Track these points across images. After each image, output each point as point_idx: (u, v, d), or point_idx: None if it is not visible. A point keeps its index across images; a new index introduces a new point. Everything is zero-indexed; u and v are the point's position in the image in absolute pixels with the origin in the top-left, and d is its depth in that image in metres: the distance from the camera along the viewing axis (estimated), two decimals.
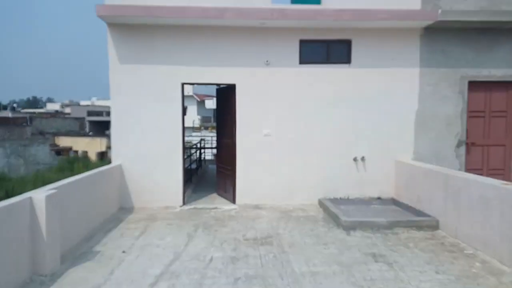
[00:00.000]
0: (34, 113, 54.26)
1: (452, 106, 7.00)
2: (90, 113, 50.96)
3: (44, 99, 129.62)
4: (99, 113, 51.44)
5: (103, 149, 34.76)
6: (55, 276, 3.93)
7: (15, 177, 23.21)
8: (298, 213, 6.51)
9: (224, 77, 6.91)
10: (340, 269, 4.18)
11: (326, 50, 6.98)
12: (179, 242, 5.05)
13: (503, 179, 6.87)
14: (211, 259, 4.46)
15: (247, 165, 7.03)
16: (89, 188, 5.44)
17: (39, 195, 3.91)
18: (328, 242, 5.05)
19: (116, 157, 6.86)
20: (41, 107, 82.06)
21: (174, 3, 6.37)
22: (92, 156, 33.86)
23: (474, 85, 7.02)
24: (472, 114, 7.11)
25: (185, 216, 6.33)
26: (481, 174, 6.78)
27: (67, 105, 66.14)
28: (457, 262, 4.39)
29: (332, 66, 6.96)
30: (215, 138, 18.84)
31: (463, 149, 7.06)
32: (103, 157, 33.25)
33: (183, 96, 6.97)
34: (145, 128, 6.82)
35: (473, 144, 7.15)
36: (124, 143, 6.82)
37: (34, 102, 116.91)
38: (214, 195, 7.94)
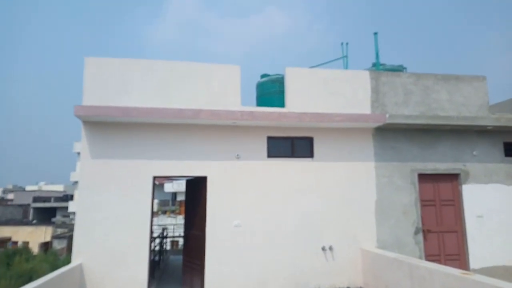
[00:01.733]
0: None
1: (407, 196, 7.65)
2: (36, 199, 47.64)
3: None
4: (46, 199, 48.25)
5: (48, 239, 31.95)
6: None
7: None
8: None
9: (196, 170, 7.16)
10: None
11: (291, 145, 7.60)
12: None
13: (459, 265, 7.35)
14: None
15: (217, 258, 6.93)
16: None
17: None
18: None
19: (77, 254, 6.51)
20: None
21: (149, 104, 6.83)
22: (34, 247, 30.83)
23: (423, 177, 7.82)
24: (424, 202, 7.78)
25: None
26: (439, 261, 7.21)
27: (10, 191, 61.67)
28: None
29: (297, 160, 7.52)
30: (175, 226, 18.29)
31: (420, 236, 7.54)
32: (47, 248, 30.38)
33: (154, 189, 7.03)
34: (111, 223, 6.67)
35: (429, 231, 7.67)
36: (88, 239, 6.56)
37: None
38: None
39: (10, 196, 54.53)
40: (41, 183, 63.37)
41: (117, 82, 6.95)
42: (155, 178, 7.00)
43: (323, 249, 7.23)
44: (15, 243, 31.67)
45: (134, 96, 6.95)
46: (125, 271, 6.55)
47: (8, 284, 14.86)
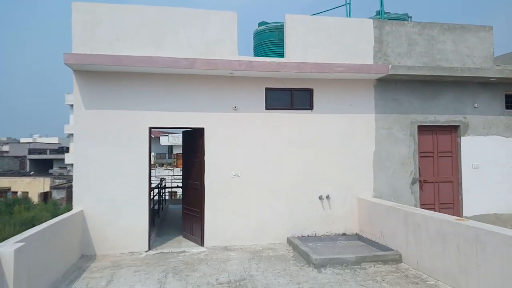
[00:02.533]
0: None
1: (405, 147, 7.68)
2: (31, 151, 47.77)
3: None
4: (42, 151, 48.43)
5: (47, 189, 32.50)
6: None
7: None
8: (269, 253, 6.57)
9: (193, 121, 7.05)
10: None
11: (290, 97, 7.44)
12: None
13: (453, 212, 7.56)
14: None
15: (216, 206, 7.05)
16: (51, 238, 5.13)
17: (7, 249, 3.67)
18: (301, 281, 5.16)
19: (77, 203, 6.57)
20: None
21: (142, 52, 6.55)
22: (34, 197, 31.45)
23: (423, 129, 7.80)
24: (423, 154, 7.83)
25: (152, 262, 6.13)
26: (433, 209, 7.40)
27: (5, 143, 61.60)
28: None
29: (296, 112, 7.41)
30: (173, 177, 18.50)
31: (417, 186, 7.68)
32: (47, 198, 30.99)
33: (150, 141, 6.96)
34: (110, 173, 6.66)
35: (425, 181, 7.81)
36: (86, 189, 6.59)
37: None
38: (180, 237, 7.78)
39: (5, 148, 54.49)
40: (35, 136, 63.13)
41: (107, 29, 6.61)
42: (151, 129, 6.90)
43: (320, 198, 7.36)
44: (15, 193, 32.18)
45: (126, 44, 6.65)
46: (126, 219, 6.66)
47: (12, 231, 15.30)
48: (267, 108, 7.30)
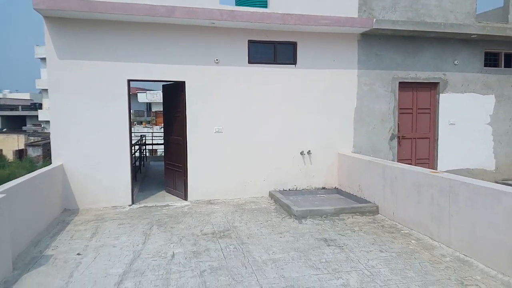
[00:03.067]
0: None
1: (386, 104, 7.79)
2: (2, 107, 45.86)
3: None
4: (13, 107, 46.55)
5: (21, 147, 31.65)
6: (8, 283, 3.68)
7: None
8: (251, 206, 6.75)
9: (174, 75, 6.85)
10: (298, 255, 4.50)
11: (274, 51, 7.29)
12: (135, 241, 4.98)
13: (428, 167, 7.87)
14: (172, 255, 4.49)
15: (198, 161, 7.08)
16: (32, 191, 5.08)
17: None
18: (283, 231, 5.37)
19: (56, 157, 6.45)
20: None
21: None
22: (9, 155, 30.64)
23: (403, 85, 7.89)
24: (402, 110, 7.98)
25: (136, 215, 6.20)
26: (410, 164, 7.66)
27: None
28: (396, 241, 4.98)
29: (279, 67, 7.30)
30: (152, 133, 18.32)
31: (395, 142, 7.90)
32: (22, 156, 30.28)
33: (129, 93, 6.77)
34: (89, 127, 6.50)
35: (403, 137, 8.03)
36: (65, 143, 6.45)
37: None
38: (163, 192, 7.85)
39: None
40: (5, 91, 60.26)
41: None
42: (129, 81, 6.68)
43: (302, 153, 7.49)
44: None
45: None
46: (107, 173, 6.62)
47: None
48: (249, 62, 7.15)
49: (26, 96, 56.58)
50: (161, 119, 36.00)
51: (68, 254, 4.47)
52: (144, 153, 12.99)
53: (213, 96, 7.05)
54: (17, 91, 61.71)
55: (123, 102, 6.64)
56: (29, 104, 48.66)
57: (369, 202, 6.40)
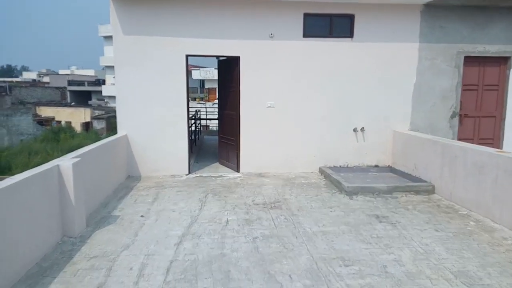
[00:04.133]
0: (12, 82, 52.34)
1: (448, 80, 7.32)
2: (70, 83, 49.45)
3: (18, 67, 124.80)
4: (80, 83, 50.07)
5: (88, 119, 34.23)
6: (84, 238, 4.15)
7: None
8: (301, 180, 6.83)
9: (228, 50, 6.97)
10: (348, 229, 4.54)
11: (329, 24, 7.10)
12: (192, 207, 5.31)
13: (492, 147, 7.35)
14: (227, 222, 4.74)
15: (251, 135, 7.24)
16: (102, 157, 5.57)
17: (66, 163, 4.05)
18: (333, 206, 5.41)
19: (121, 127, 6.96)
20: (16, 76, 79.14)
21: None
22: (77, 126, 33.32)
23: (469, 60, 7.33)
24: (466, 87, 7.46)
25: (192, 184, 6.56)
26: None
27: (45, 74, 63.99)
28: (453, 221, 4.81)
29: (335, 40, 7.11)
30: (208, 109, 18.88)
31: (456, 120, 7.45)
32: (88, 128, 32.81)
33: (187, 68, 7.03)
34: (150, 99, 6.90)
35: (465, 115, 7.55)
36: (129, 114, 6.91)
37: (9, 71, 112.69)
38: (217, 164, 8.18)
39: (46, 79, 56.70)
40: (73, 68, 64.89)
41: None
42: (187, 56, 6.92)
43: (355, 130, 7.36)
44: (59, 122, 34.17)
45: None
46: (166, 143, 7.02)
47: (60, 156, 16.59)
48: (304, 36, 7.05)
49: (91, 72, 60.55)
50: (213, 96, 36.83)
51: (133, 216, 4.90)
52: (199, 127, 13.48)
53: (266, 71, 7.09)
54: (83, 67, 66.24)
55: (182, 76, 6.92)
56: (94, 80, 52.06)
57: (425, 181, 6.18)
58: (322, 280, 3.34)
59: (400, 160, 7.09)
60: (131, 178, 6.88)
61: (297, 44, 7.06)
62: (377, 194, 5.89)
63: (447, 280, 3.36)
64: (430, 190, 5.97)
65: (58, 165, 4.01)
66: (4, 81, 49.89)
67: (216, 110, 8.58)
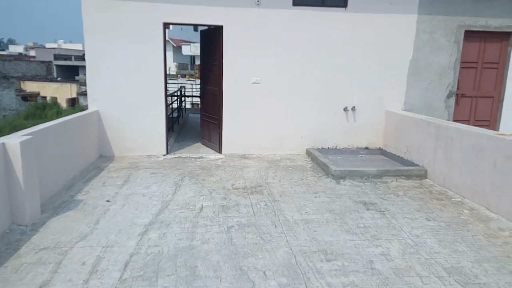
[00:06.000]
0: None
1: (447, 56, 6.83)
2: (57, 57, 47.85)
3: (5, 40, 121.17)
4: (67, 57, 48.44)
5: (74, 95, 33.22)
6: (36, 226, 3.69)
7: None
8: (286, 163, 6.41)
9: (210, 18, 6.36)
10: (333, 217, 4.15)
11: None
12: (165, 191, 4.86)
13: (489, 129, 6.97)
14: (201, 208, 4.32)
15: (234, 114, 6.74)
16: (66, 135, 5.05)
17: (12, 141, 3.54)
18: (318, 191, 5.00)
19: (92, 102, 6.40)
20: (3, 50, 76.75)
21: None
22: (62, 102, 32.37)
23: (470, 35, 6.83)
24: (465, 64, 6.99)
25: (169, 165, 6.09)
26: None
27: (31, 48, 61.96)
28: (446, 210, 4.45)
29: (328, 10, 6.53)
30: (194, 86, 18.17)
31: (452, 100, 7.03)
32: (74, 104, 31.87)
33: (165, 38, 6.42)
34: (123, 72, 6.31)
35: (462, 95, 7.11)
36: (100, 88, 6.33)
37: None
38: (198, 144, 7.70)
39: (32, 53, 54.93)
40: (60, 41, 62.88)
41: None
42: (165, 24, 6.30)
43: (345, 109, 6.89)
44: (44, 98, 33.15)
45: None
46: (142, 120, 6.49)
47: None
48: (294, 4, 6.44)
49: (79, 47, 58.58)
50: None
51: (97, 200, 4.44)
52: (184, 104, 12.91)
53: (252, 42, 6.52)
54: (71, 41, 64.11)
55: (158, 46, 6.32)
56: (82, 54, 50.39)
57: (417, 165, 5.80)
58: (300, 277, 2.95)
59: (392, 142, 6.68)
60: (103, 158, 6.38)
61: (286, 13, 6.47)
62: (366, 179, 5.50)
63: (439, 277, 3.00)
64: (422, 174, 5.59)
65: (3, 143, 3.49)
66: None
67: None
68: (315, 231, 3.79)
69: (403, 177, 5.57)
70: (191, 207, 4.33)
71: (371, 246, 3.50)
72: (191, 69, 42.86)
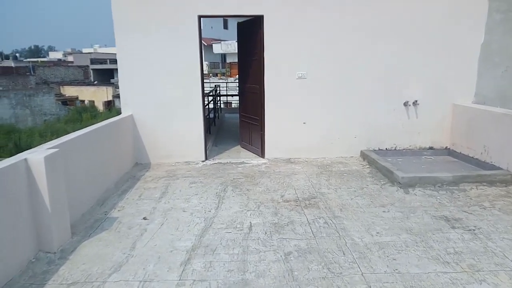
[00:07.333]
0: (37, 62, 52.83)
1: None
2: (93, 61, 49.32)
3: (45, 47, 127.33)
4: (102, 61, 49.75)
5: (110, 98, 33.85)
6: (65, 253, 3.20)
7: (23, 128, 22.72)
8: (339, 168, 5.66)
9: (249, 7, 5.71)
10: (412, 239, 3.39)
11: None
12: (207, 204, 4.28)
13: None
14: (250, 227, 3.69)
15: (278, 113, 6.07)
16: (98, 143, 4.59)
17: (36, 156, 3.06)
18: (385, 204, 4.23)
19: (125, 106, 5.94)
20: (44, 56, 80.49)
21: None
22: (99, 105, 33.08)
23: None
24: None
25: (209, 173, 5.52)
26: None
27: (69, 53, 64.34)
28: None
29: None
30: (228, 84, 17.72)
31: None
32: (111, 107, 32.46)
33: (200, 33, 5.84)
34: (157, 71, 5.79)
35: None
36: (134, 90, 5.85)
37: (36, 51, 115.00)
38: (238, 147, 7.10)
39: (70, 58, 56.96)
40: (96, 46, 64.85)
41: None
42: (200, 17, 5.72)
43: (406, 104, 6.02)
44: (82, 101, 34.04)
45: None
46: (179, 124, 5.96)
47: None
48: None
49: (113, 50, 60.13)
50: (235, 71, 35.43)
51: (133, 218, 3.92)
52: (219, 104, 12.39)
53: (295, 32, 5.81)
54: (105, 45, 66.04)
55: (194, 43, 5.74)
56: (116, 57, 51.54)
57: (500, 168, 4.87)
58: None
59: (463, 141, 5.75)
60: (139, 166, 5.91)
61: None
62: (439, 186, 4.66)
63: None
64: (508, 180, 4.67)
65: (25, 159, 3.02)
66: (28, 61, 50.31)
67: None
68: (394, 259, 3.05)
69: (484, 183, 4.68)
70: (238, 226, 3.72)
71: (473, 282, 2.73)
72: (222, 67, 42.59)
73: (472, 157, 5.47)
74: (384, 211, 4.01)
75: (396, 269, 2.90)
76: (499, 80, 5.93)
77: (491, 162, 5.07)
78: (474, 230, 3.55)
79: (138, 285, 2.75)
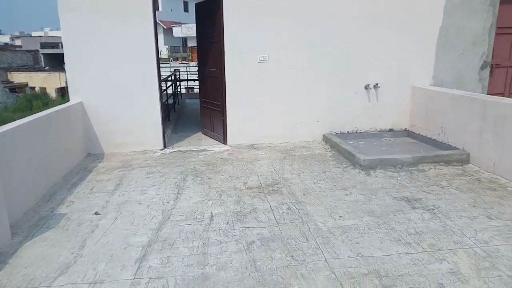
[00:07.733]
0: None
1: (481, 21, 5.94)
2: (43, 45, 46.16)
3: None
4: (54, 45, 46.66)
5: (63, 84, 31.94)
6: (3, 256, 2.88)
7: None
8: (302, 152, 5.60)
9: None
10: (375, 221, 3.37)
11: None
12: (166, 196, 4.05)
13: None
14: (211, 217, 3.52)
15: (239, 98, 5.87)
16: (43, 133, 4.20)
17: None
18: (348, 187, 4.21)
19: (74, 93, 5.48)
20: None
21: None
22: (52, 92, 31.17)
23: None
24: (500, 30, 6.12)
25: (168, 162, 5.26)
26: None
27: (17, 37, 59.88)
28: (506, 203, 3.69)
29: None
30: (190, 69, 17.14)
31: (487, 71, 6.17)
32: (64, 94, 30.67)
33: (155, 15, 5.47)
34: (108, 55, 5.38)
35: (497, 65, 6.29)
36: (82, 75, 5.41)
37: None
38: (199, 134, 6.85)
39: (18, 42, 53.12)
40: (47, 29, 60.83)
41: None
42: None
43: (367, 87, 6.03)
44: (33, 88, 31.90)
45: None
46: (134, 110, 5.60)
47: None
48: None
49: None
50: (196, 55, 34.60)
51: (84, 213, 3.63)
52: (179, 90, 11.96)
53: (257, 14, 5.59)
54: (57, 29, 61.92)
55: (148, 24, 5.37)
56: None
57: (456, 148, 5.01)
58: None
59: (421, 122, 5.87)
60: (91, 157, 5.53)
61: None
62: (399, 168, 4.71)
63: None
64: (464, 159, 4.81)
65: None
66: None
67: None
68: (357, 243, 3.01)
69: (441, 163, 4.79)
70: (198, 217, 3.54)
71: (433, 261, 2.74)
72: (183, 52, 41.39)
73: (430, 138, 5.59)
74: (346, 194, 3.99)
75: (360, 253, 2.86)
76: (456, 62, 6.08)
77: (448, 142, 5.20)
78: (433, 209, 3.60)
79: (88, 287, 2.51)
